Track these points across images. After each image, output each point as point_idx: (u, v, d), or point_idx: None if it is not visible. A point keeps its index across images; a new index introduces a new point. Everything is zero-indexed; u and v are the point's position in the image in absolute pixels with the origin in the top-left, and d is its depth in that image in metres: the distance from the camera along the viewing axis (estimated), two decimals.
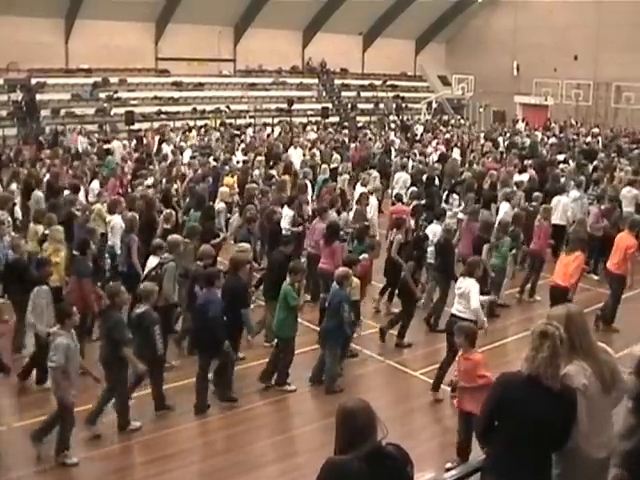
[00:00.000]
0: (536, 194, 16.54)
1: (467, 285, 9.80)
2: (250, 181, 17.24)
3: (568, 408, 4.84)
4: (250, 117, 37.85)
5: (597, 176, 19.74)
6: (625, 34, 38.12)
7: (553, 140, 31.09)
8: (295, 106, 40.67)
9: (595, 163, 22.97)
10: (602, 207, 16.11)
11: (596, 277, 15.37)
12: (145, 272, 10.85)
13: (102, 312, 8.66)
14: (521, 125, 38.40)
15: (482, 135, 32.61)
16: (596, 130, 35.69)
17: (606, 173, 20.89)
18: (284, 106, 40.47)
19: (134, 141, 28.35)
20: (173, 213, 13.42)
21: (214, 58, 39.99)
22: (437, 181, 19.65)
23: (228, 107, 38.57)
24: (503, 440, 4.88)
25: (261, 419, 9.63)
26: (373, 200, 15.94)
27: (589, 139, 33.20)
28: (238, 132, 30.93)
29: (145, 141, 27.82)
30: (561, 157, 25.49)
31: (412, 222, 14.48)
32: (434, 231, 13.28)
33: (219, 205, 14.80)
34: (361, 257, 11.66)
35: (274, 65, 42.45)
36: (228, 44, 40.97)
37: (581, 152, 26.89)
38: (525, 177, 19.08)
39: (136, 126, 32.95)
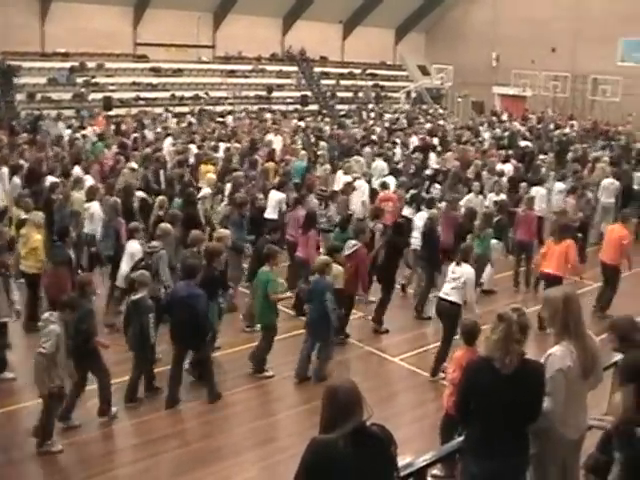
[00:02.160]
0: (523, 184, 16.72)
1: (463, 272, 9.93)
2: (232, 169, 17.13)
3: (531, 389, 4.98)
4: (229, 104, 37.62)
5: (575, 167, 19.94)
6: (601, 28, 38.29)
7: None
8: (274, 94, 40.57)
9: (570, 154, 23.21)
10: (577, 197, 16.34)
11: None
12: (135, 260, 10.72)
13: (70, 301, 8.35)
14: (505, 116, 38.44)
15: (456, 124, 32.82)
16: (574, 122, 36.01)
17: (586, 164, 21.07)
18: (263, 93, 40.34)
19: (112, 127, 28.01)
20: (166, 199, 13.32)
21: (193, 44, 39.60)
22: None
23: (207, 94, 38.33)
24: (479, 422, 5.02)
25: (240, 405, 9.66)
26: (364, 185, 16.04)
27: (567, 130, 33.48)
28: (222, 119, 30.62)
29: (124, 127, 27.52)
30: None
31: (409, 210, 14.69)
32: (422, 218, 13.36)
33: (205, 191, 14.73)
34: (350, 244, 11.45)
35: (254, 52, 42.13)
36: (207, 30, 40.64)
37: (558, 143, 27.15)
38: (508, 167, 19.20)
39: (114, 112, 32.62)
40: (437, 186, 17.06)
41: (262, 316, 10.39)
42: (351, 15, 45.43)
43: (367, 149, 22.00)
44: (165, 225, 11.20)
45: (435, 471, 7.17)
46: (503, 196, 15.86)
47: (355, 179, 16.24)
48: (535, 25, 41.09)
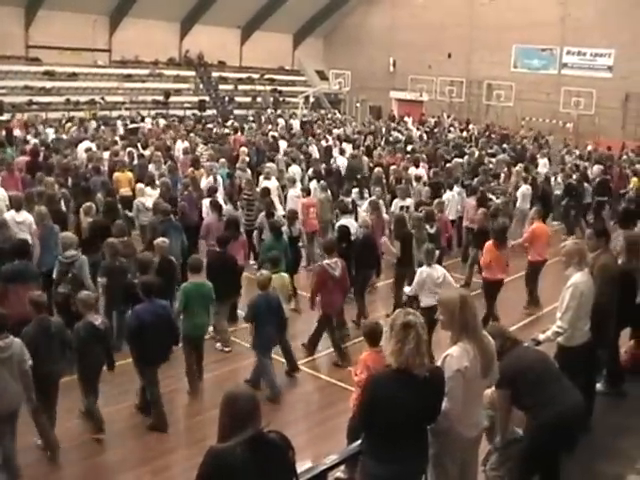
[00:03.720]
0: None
1: (443, 273, 10.15)
2: (149, 175, 16.55)
3: (436, 391, 5.07)
4: (126, 109, 36.72)
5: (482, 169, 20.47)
6: (495, 35, 39.70)
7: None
8: (172, 98, 39.84)
9: (466, 158, 23.79)
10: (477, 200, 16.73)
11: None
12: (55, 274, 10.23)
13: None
14: (408, 120, 39.15)
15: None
16: (471, 126, 37.11)
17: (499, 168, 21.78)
18: (160, 98, 39.55)
19: (3, 132, 26.75)
20: (93, 205, 12.77)
21: (89, 48, 38.44)
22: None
23: (103, 98, 37.28)
24: (382, 429, 4.98)
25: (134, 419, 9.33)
26: (292, 191, 16.24)
27: (464, 134, 34.41)
28: (137, 125, 29.73)
29: (17, 133, 26.33)
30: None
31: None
32: (351, 225, 13.27)
33: (140, 201, 14.35)
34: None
35: (151, 56, 41.27)
36: (103, 34, 39.50)
37: (455, 147, 27.79)
38: (422, 171, 19.46)
39: (5, 116, 31.25)
40: (355, 190, 17.00)
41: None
42: (249, 20, 45.17)
43: (279, 156, 21.78)
44: (112, 240, 10.77)
45: (339, 474, 7.23)
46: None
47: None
48: (431, 31, 42.08)
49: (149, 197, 14.65)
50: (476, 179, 18.60)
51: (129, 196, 15.57)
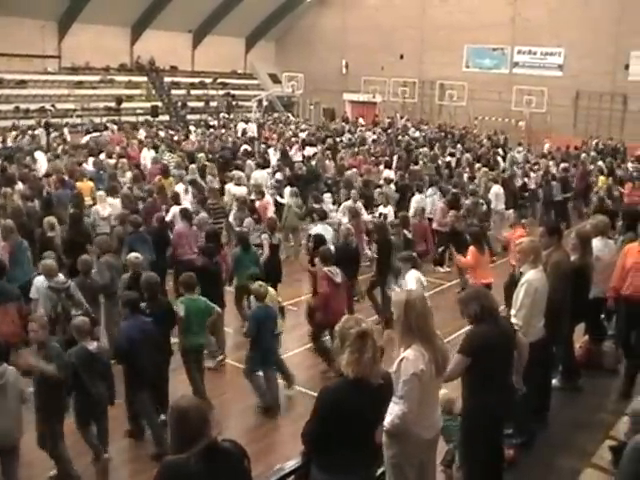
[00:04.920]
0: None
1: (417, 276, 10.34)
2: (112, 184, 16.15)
3: (388, 398, 5.10)
4: (77, 116, 36.26)
5: (457, 172, 20.67)
6: (446, 36, 40.15)
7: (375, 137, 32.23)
8: (124, 105, 39.33)
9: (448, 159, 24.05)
10: (447, 202, 16.78)
11: (442, 270, 16.09)
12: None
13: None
14: (362, 121, 39.30)
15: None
16: (425, 127, 37.36)
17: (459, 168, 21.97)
18: (112, 105, 39.03)
19: None
20: (53, 219, 12.29)
21: (38, 54, 37.84)
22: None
23: (53, 106, 36.68)
24: (335, 443, 4.88)
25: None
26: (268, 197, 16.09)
27: (417, 134, 34.59)
28: (98, 133, 29.12)
29: None
30: None
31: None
32: (323, 232, 12.96)
33: (96, 209, 14.09)
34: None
35: (102, 62, 40.75)
36: (52, 40, 38.85)
37: (405, 148, 27.95)
38: (391, 173, 19.49)
39: None
40: (328, 195, 16.91)
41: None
42: (201, 24, 44.90)
43: (249, 161, 21.40)
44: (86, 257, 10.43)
45: None
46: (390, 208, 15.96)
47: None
48: (383, 33, 42.37)
49: (109, 206, 14.36)
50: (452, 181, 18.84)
51: (91, 206, 15.07)
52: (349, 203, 15.37)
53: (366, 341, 4.82)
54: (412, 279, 10.32)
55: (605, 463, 6.02)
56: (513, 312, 7.09)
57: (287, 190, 17.15)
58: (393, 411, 5.15)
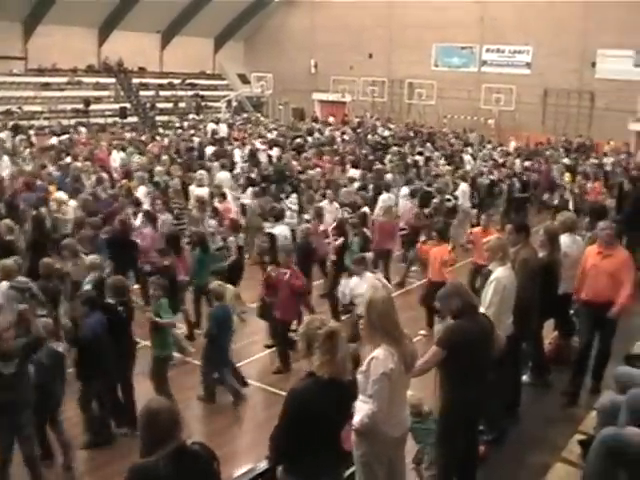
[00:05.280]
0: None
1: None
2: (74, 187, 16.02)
3: (354, 395, 5.17)
4: (45, 119, 35.90)
5: (425, 170, 20.71)
6: (415, 35, 40.23)
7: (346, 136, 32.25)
8: (92, 107, 38.99)
9: (388, 157, 23.98)
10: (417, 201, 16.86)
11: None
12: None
13: None
14: (331, 121, 39.30)
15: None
16: (392, 126, 37.45)
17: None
18: (80, 106, 38.68)
19: None
20: (9, 222, 12.00)
21: (3, 56, 37.31)
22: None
23: (20, 108, 36.28)
24: (303, 444, 4.87)
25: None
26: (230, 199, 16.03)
27: (387, 133, 34.66)
28: (67, 135, 28.73)
29: None
30: None
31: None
32: (281, 232, 13.09)
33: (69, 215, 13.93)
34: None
35: (69, 64, 40.26)
36: (17, 41, 38.39)
37: (372, 147, 27.99)
38: (356, 173, 19.49)
39: None
40: (294, 196, 16.87)
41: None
42: (169, 24, 44.56)
43: (215, 163, 21.17)
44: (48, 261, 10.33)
45: None
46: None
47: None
48: (351, 32, 42.37)
49: (71, 209, 14.24)
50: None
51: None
52: (324, 203, 15.35)
53: (336, 341, 4.82)
54: (364, 283, 10.22)
55: (575, 457, 6.07)
56: (482, 310, 7.13)
57: (249, 191, 17.08)
58: (362, 410, 5.16)
